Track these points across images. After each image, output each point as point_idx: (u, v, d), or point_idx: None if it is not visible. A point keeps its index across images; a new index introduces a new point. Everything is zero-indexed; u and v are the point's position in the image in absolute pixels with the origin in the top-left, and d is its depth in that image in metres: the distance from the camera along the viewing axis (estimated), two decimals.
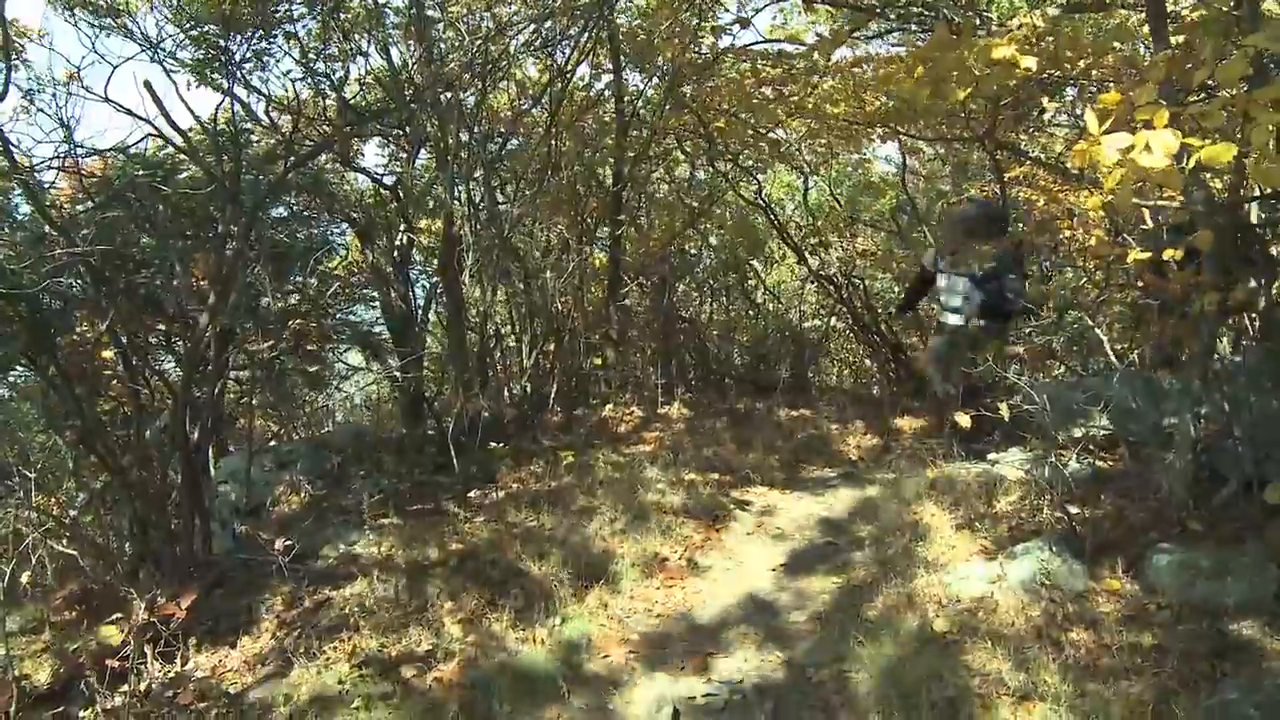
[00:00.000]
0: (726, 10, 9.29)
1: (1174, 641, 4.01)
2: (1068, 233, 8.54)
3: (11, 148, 5.88)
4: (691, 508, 6.16)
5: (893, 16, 8.67)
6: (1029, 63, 4.56)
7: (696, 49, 9.34)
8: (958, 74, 4.80)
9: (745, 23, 9.33)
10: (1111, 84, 6.27)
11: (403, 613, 4.89)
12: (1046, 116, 9.24)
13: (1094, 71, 6.32)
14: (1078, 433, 5.78)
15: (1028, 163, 8.74)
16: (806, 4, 9.15)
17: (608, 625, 4.91)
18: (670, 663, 4.57)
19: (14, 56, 6.74)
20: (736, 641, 4.74)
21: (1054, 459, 5.20)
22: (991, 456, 6.29)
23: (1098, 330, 6.79)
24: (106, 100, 6.28)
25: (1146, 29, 5.70)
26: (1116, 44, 6.25)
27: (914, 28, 9.24)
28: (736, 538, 6.01)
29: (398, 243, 8.29)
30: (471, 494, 6.39)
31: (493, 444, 6.79)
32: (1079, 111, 9.38)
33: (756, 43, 9.87)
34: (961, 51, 4.65)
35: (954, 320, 6.71)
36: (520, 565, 5.35)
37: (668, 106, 9.32)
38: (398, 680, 4.40)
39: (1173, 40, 4.91)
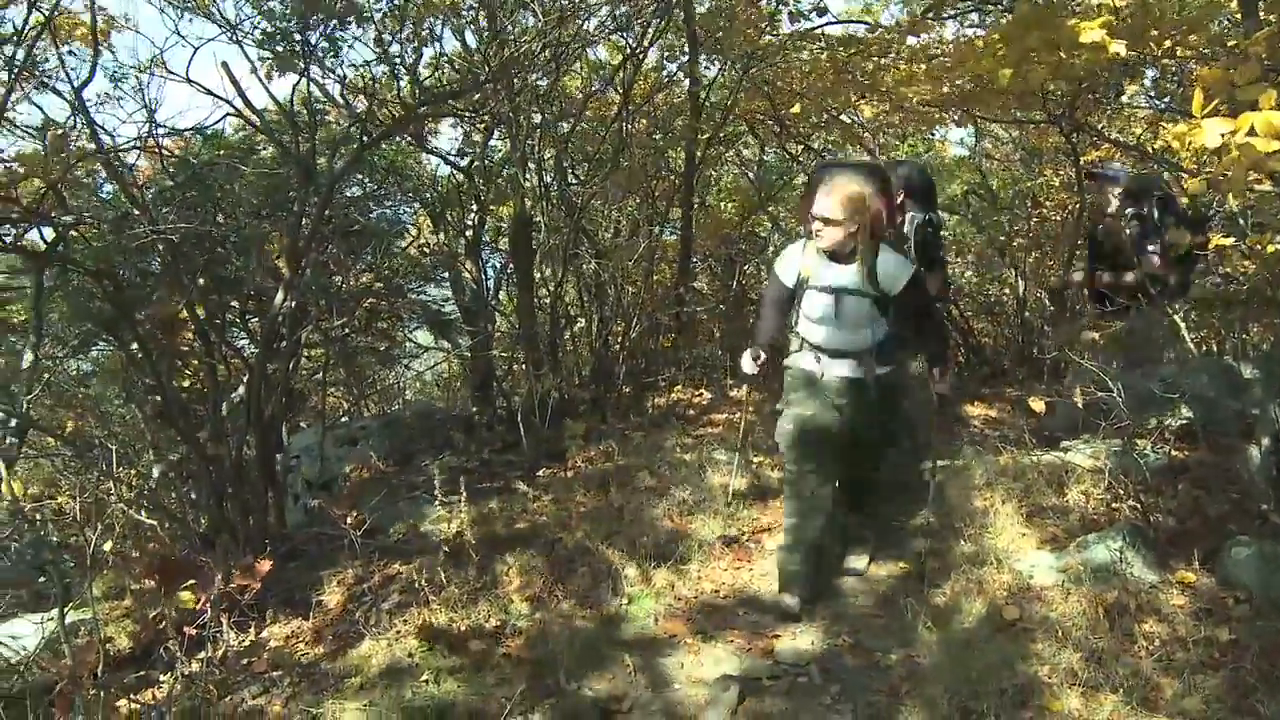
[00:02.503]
0: None
1: (1252, 637, 3.92)
2: None
3: (97, 129, 6.06)
4: (760, 490, 6.13)
5: None
6: (1118, 47, 4.45)
7: (772, 31, 9.26)
8: (1040, 55, 4.71)
9: (822, 10, 9.21)
10: (1195, 65, 6.09)
11: (471, 589, 4.93)
12: (1124, 98, 9.01)
13: (1179, 50, 6.14)
14: (1154, 422, 5.66)
15: (1105, 145, 8.55)
16: None
17: (675, 605, 4.91)
18: (736, 644, 4.56)
19: (101, 42, 6.92)
20: (803, 623, 4.72)
21: (1129, 448, 5.10)
22: (1064, 444, 6.17)
23: (1176, 317, 6.63)
24: (188, 81, 6.40)
25: (1235, 3, 5.53)
26: (1206, 21, 6.04)
27: (993, 6, 9.09)
28: None
29: (469, 223, 8.34)
30: (540, 473, 6.43)
31: (561, 423, 6.82)
32: (1156, 93, 9.17)
33: (831, 23, 9.75)
34: (1046, 33, 4.56)
35: (835, 370, 4.87)
36: (588, 544, 5.36)
37: (740, 89, 9.25)
38: (466, 654, 4.44)
39: (1266, 18, 4.75)
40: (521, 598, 4.94)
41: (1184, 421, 5.75)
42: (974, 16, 9.65)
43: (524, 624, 4.72)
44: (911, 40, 9.15)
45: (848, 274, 4.63)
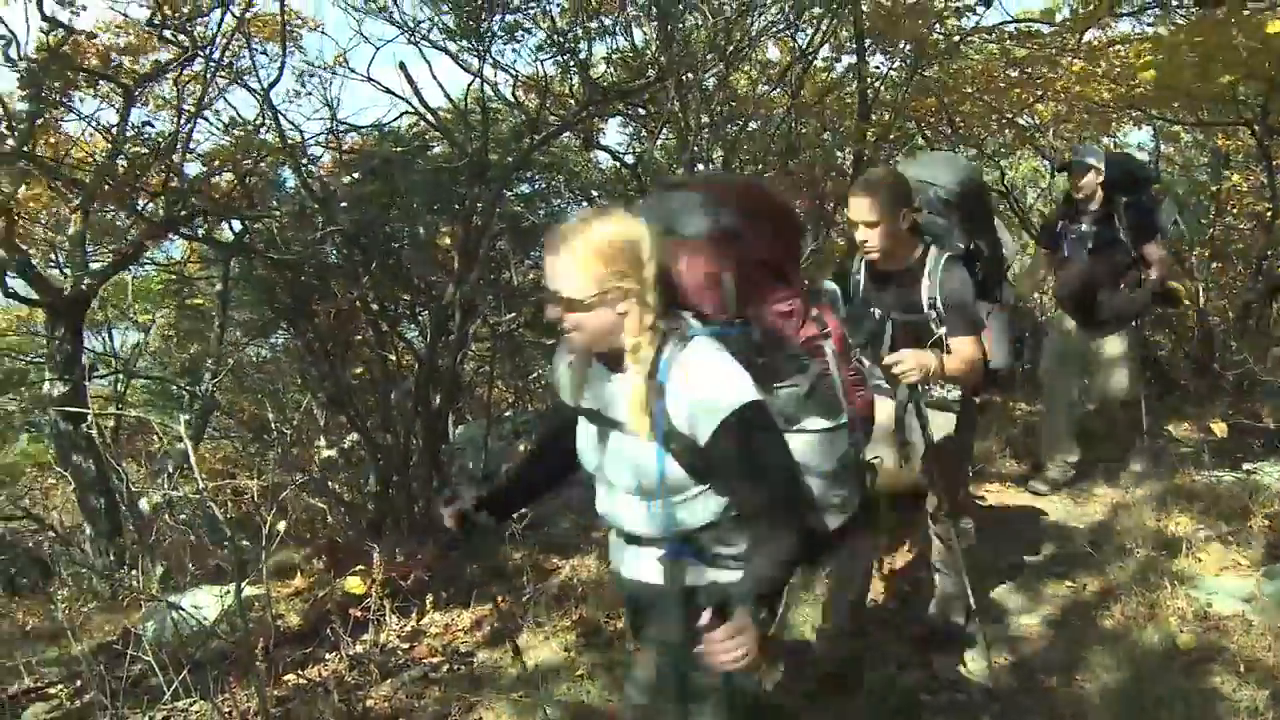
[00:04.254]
0: None
1: None
2: None
3: (284, 126, 6.32)
4: None
5: None
6: None
7: (941, 30, 9.01)
8: (1225, 53, 4.41)
9: (988, 2, 8.90)
10: None
11: None
12: None
13: None
14: None
15: None
16: None
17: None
18: (897, 659, 4.42)
19: (289, 42, 7.23)
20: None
21: None
22: (1248, 466, 5.78)
23: None
24: (369, 80, 6.62)
25: None
26: None
27: (1175, 2, 8.63)
28: None
29: None
30: None
31: None
32: None
33: (1004, 22, 9.42)
34: (1224, 31, 4.26)
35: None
36: None
37: (910, 89, 9.03)
38: (620, 653, 4.42)
39: None
40: None
41: None
42: (1153, 12, 9.17)
43: None
44: (1090, 35, 8.77)
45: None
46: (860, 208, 3.57)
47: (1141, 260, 5.53)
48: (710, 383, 2.21)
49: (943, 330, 3.57)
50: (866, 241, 3.61)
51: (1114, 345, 5.72)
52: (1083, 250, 5.55)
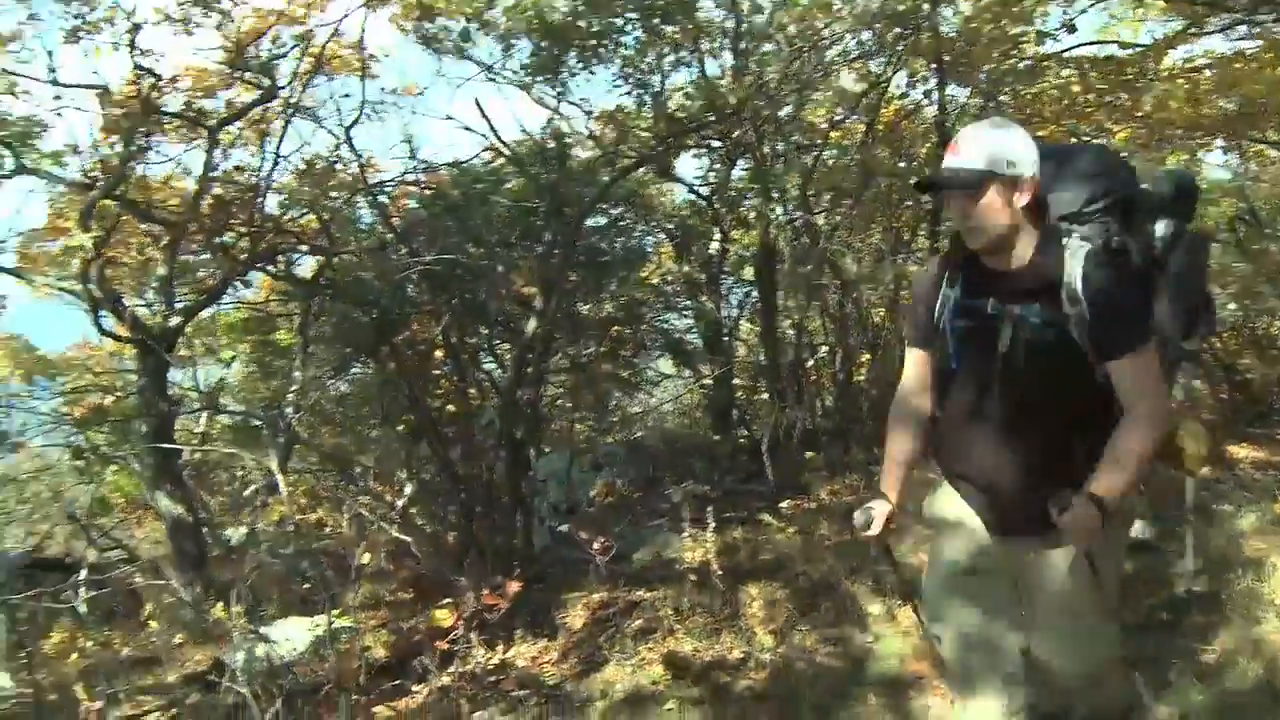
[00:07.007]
0: (1049, 15, 8.74)
1: None
2: None
3: (363, 164, 6.43)
4: None
5: (1238, 7, 7.89)
6: None
7: (1018, 56, 8.91)
8: None
9: (1072, 27, 8.79)
10: None
11: (715, 619, 4.88)
12: None
13: None
14: None
15: None
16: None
17: (922, 645, 4.68)
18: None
19: (367, 78, 7.37)
20: None
21: None
22: None
23: None
24: (448, 118, 6.74)
25: None
26: None
27: (1265, 17, 8.42)
28: None
29: (711, 252, 8.36)
30: (783, 504, 6.34)
31: (804, 454, 6.71)
32: None
33: (1082, 44, 9.28)
34: None
35: None
36: (832, 579, 5.22)
37: (987, 114, 8.93)
38: (710, 685, 4.37)
39: None
40: (765, 630, 4.84)
41: None
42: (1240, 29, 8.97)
43: (767, 657, 4.62)
44: (1172, 58, 8.62)
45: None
46: None
47: None
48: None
49: None
50: None
51: None
52: None
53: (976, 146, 2.60)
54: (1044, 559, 2.76)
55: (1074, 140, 9.25)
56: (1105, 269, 2.55)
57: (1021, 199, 2.58)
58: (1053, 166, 2.74)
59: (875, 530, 2.97)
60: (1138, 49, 8.67)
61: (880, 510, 2.99)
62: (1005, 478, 2.73)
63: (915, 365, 2.96)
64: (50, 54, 6.08)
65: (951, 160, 2.64)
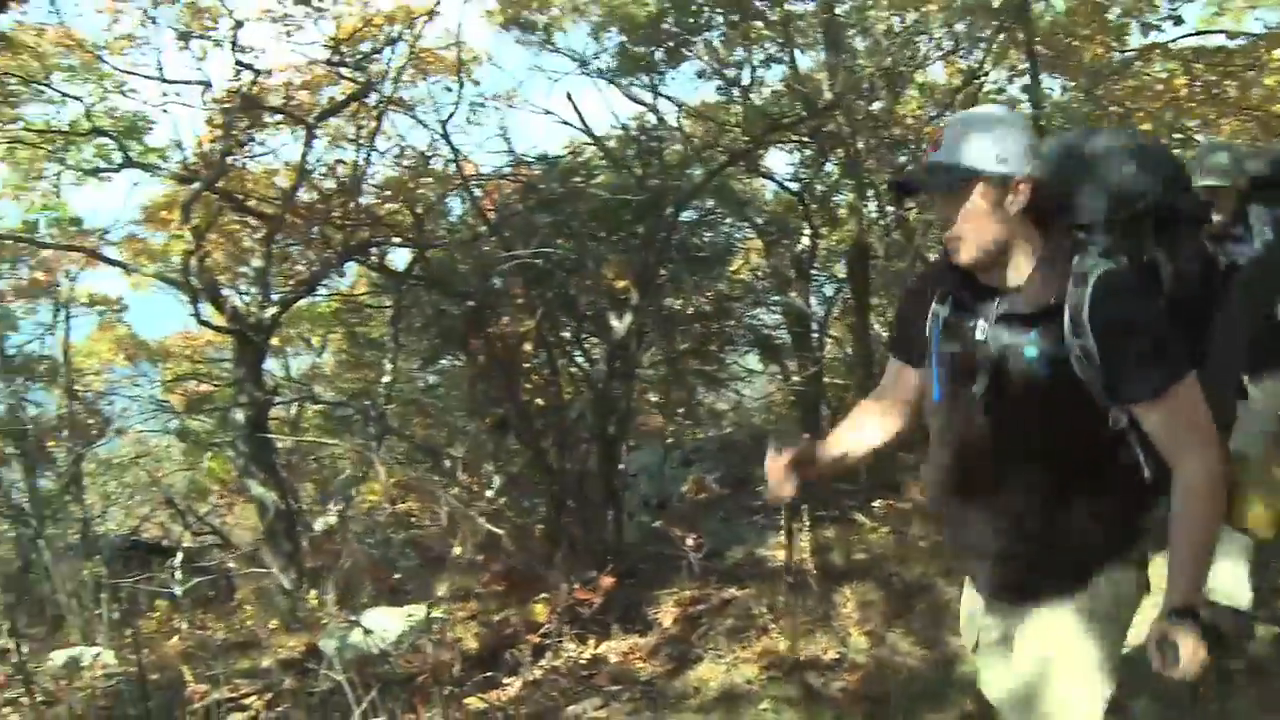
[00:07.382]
0: (1155, 6, 8.48)
1: None
2: None
3: (459, 157, 6.47)
4: None
5: None
6: None
7: (1119, 47, 8.68)
8: None
9: (1178, 19, 8.52)
10: None
11: (809, 619, 4.81)
12: None
13: None
14: None
15: None
16: None
17: None
18: None
19: (464, 75, 7.43)
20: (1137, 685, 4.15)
21: None
22: None
23: None
24: (546, 112, 6.75)
25: None
26: None
27: None
28: (1158, 568, 5.35)
29: (801, 248, 8.27)
30: (875, 503, 6.25)
31: (897, 453, 6.60)
32: None
33: (1186, 35, 8.99)
34: None
35: None
36: (925, 580, 5.13)
37: (1085, 109, 8.71)
38: (804, 685, 4.32)
39: None
40: (859, 631, 4.77)
41: None
42: None
43: (861, 659, 4.55)
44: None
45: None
46: None
47: None
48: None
49: None
50: None
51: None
52: None
53: (960, 139, 2.12)
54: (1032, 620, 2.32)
55: (1176, 136, 8.98)
56: (1122, 295, 2.05)
57: (1016, 203, 2.10)
58: (1073, 162, 2.24)
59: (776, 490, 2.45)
60: (1249, 39, 8.38)
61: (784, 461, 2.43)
62: (988, 538, 2.28)
63: (894, 375, 2.50)
64: (159, 52, 6.25)
65: (931, 155, 2.18)
